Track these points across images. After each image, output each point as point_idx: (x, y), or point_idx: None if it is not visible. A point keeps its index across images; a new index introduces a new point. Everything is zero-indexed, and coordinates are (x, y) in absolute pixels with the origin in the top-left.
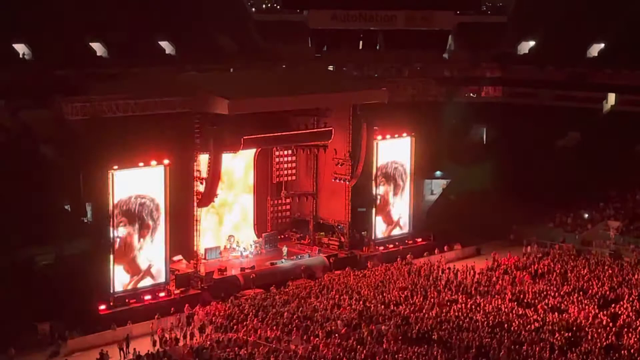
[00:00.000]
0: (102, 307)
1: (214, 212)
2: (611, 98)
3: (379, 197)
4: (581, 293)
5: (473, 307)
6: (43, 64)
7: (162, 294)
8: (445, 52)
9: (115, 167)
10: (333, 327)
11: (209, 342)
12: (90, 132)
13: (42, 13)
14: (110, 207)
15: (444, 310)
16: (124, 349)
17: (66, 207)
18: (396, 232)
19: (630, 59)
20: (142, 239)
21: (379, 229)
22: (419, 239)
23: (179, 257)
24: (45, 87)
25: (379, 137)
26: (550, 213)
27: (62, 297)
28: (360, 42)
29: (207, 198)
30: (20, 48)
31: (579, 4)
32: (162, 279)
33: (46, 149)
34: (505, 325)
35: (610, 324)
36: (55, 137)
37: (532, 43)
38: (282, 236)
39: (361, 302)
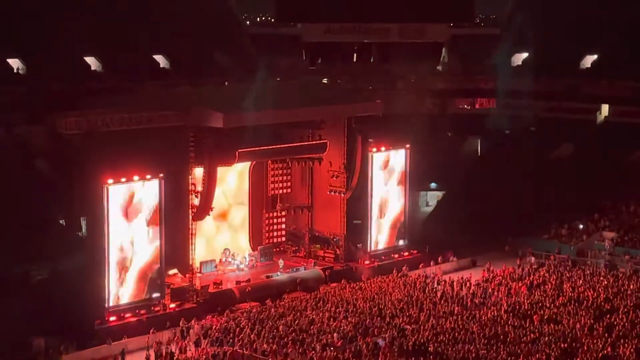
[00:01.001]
0: (98, 321)
1: (210, 225)
2: (604, 109)
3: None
4: (577, 304)
5: (469, 318)
6: (37, 78)
7: (157, 308)
8: (439, 65)
9: (110, 181)
10: (329, 340)
11: (204, 356)
12: (85, 147)
13: (36, 28)
14: (106, 222)
15: (440, 322)
16: None
17: (61, 221)
18: (392, 243)
19: (623, 70)
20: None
21: (377, 238)
22: (415, 251)
23: (175, 270)
24: (39, 102)
25: (374, 150)
26: (545, 224)
27: (57, 312)
28: (355, 55)
29: (203, 211)
30: (15, 63)
31: (572, 15)
32: (157, 292)
33: (41, 163)
34: (502, 336)
35: (606, 335)
36: (50, 152)
37: (525, 55)
38: (278, 249)
39: (357, 315)
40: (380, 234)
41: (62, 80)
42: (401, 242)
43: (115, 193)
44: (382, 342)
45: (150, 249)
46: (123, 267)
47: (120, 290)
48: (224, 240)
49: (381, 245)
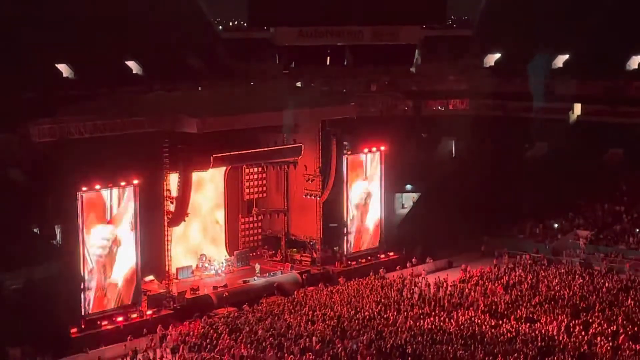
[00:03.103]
0: (74, 330)
1: (185, 230)
2: (577, 109)
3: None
4: (552, 303)
5: (446, 319)
6: (9, 86)
7: (134, 315)
8: (412, 66)
9: (84, 188)
10: (307, 344)
11: None
12: (58, 154)
13: (6, 36)
14: (80, 229)
15: (417, 324)
16: None
17: (35, 230)
18: (368, 246)
19: (595, 69)
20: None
21: (353, 241)
22: (391, 253)
23: (151, 277)
24: (11, 110)
25: (349, 152)
26: (520, 224)
27: (33, 321)
28: (328, 58)
29: (178, 217)
30: None
31: (544, 15)
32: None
33: (14, 172)
34: (479, 336)
35: (582, 333)
36: (23, 160)
37: (497, 55)
38: (254, 254)
39: (335, 318)
40: (356, 237)
41: (34, 88)
42: (377, 245)
43: (90, 203)
44: (356, 346)
45: (129, 256)
46: (102, 275)
47: (101, 296)
48: (200, 245)
49: (358, 248)
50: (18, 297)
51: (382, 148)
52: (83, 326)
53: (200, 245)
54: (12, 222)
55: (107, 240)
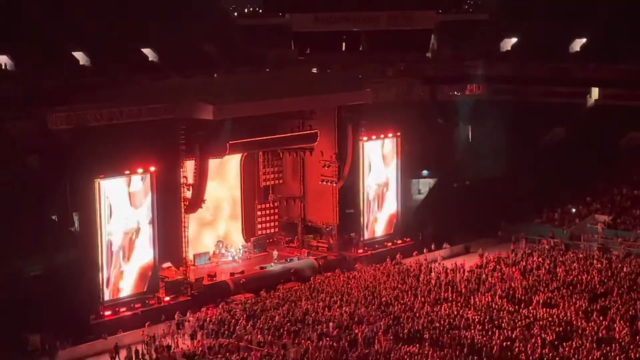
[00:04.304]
0: (93, 316)
1: (202, 217)
2: (595, 93)
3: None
4: (570, 287)
5: (463, 305)
6: (26, 74)
7: (152, 302)
8: (428, 51)
9: (102, 175)
10: (325, 330)
11: (200, 349)
12: (75, 142)
13: (23, 24)
14: (98, 217)
15: (434, 309)
16: (115, 358)
17: (53, 217)
18: (385, 231)
19: (613, 53)
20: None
21: (370, 227)
22: (408, 239)
23: (168, 264)
24: (28, 98)
25: (365, 138)
26: (537, 209)
27: (52, 308)
28: (344, 44)
29: (195, 204)
30: (2, 59)
31: None
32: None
33: (31, 159)
34: (496, 322)
35: (600, 318)
36: (40, 148)
37: (514, 40)
38: (271, 240)
39: (352, 304)
40: (373, 223)
41: (50, 76)
42: (394, 230)
43: (107, 190)
44: (373, 332)
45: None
46: (119, 261)
47: (119, 283)
48: (217, 231)
49: (374, 234)
50: (37, 285)
51: (398, 134)
52: (102, 312)
53: (218, 230)
54: (30, 210)
55: (130, 226)
